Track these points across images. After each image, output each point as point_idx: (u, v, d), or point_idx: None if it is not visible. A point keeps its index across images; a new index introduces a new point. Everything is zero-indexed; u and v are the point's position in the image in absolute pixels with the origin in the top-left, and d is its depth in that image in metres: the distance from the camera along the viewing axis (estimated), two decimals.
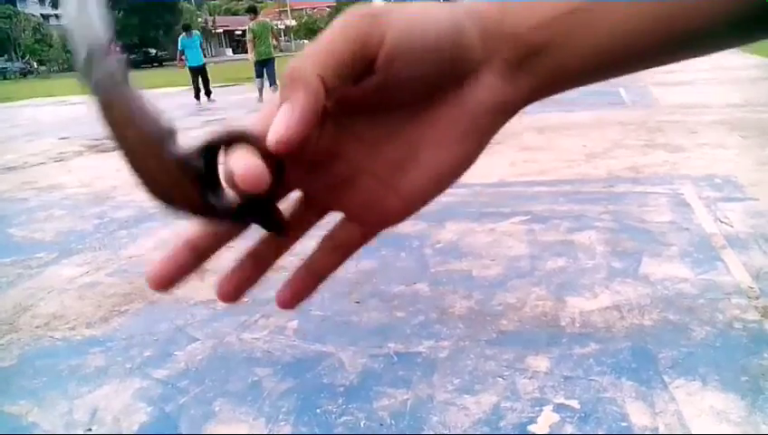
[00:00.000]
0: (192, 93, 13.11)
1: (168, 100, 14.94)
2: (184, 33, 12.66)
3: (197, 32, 13.08)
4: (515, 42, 0.29)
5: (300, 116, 0.25)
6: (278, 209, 0.31)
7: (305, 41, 56.08)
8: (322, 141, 0.29)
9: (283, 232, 0.32)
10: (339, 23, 0.27)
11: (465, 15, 0.29)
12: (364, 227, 0.33)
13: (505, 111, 0.31)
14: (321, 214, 0.34)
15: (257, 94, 11.68)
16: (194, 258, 0.31)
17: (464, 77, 0.29)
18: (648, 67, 0.32)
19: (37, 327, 2.75)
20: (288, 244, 0.34)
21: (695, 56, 0.32)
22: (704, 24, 0.29)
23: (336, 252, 0.34)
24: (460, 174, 0.32)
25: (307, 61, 0.26)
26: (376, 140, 0.30)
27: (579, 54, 0.30)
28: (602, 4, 0.29)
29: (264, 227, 0.31)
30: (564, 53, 0.30)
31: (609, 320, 2.36)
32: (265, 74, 11.62)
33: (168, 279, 0.31)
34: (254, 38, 11.44)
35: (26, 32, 53.09)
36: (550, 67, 0.30)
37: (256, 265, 0.34)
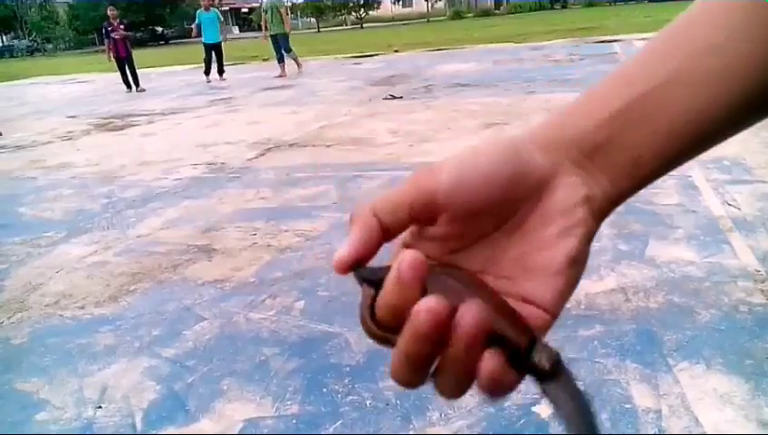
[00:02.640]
0: (203, 69, 13.00)
1: (175, 78, 14.91)
2: (202, 7, 12.64)
3: (216, 9, 13.03)
4: (579, 143, 0.33)
5: (350, 246, 0.32)
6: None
7: (312, 19, 55.66)
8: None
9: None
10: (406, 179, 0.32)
11: (524, 135, 0.33)
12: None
13: (592, 205, 0.33)
14: None
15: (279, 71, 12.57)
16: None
17: (537, 189, 0.32)
18: (717, 143, 0.35)
19: (47, 306, 2.79)
20: None
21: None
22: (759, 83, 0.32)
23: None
24: (579, 270, 0.34)
25: (369, 204, 0.32)
26: (483, 267, 0.33)
27: (642, 144, 0.32)
28: (656, 93, 0.32)
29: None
30: (627, 145, 0.32)
31: (615, 302, 2.37)
32: (282, 49, 12.46)
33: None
34: (269, 16, 12.36)
35: (32, 9, 52.90)
36: (620, 161, 0.33)
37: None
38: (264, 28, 12.87)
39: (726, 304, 2.28)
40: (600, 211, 0.34)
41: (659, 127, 0.32)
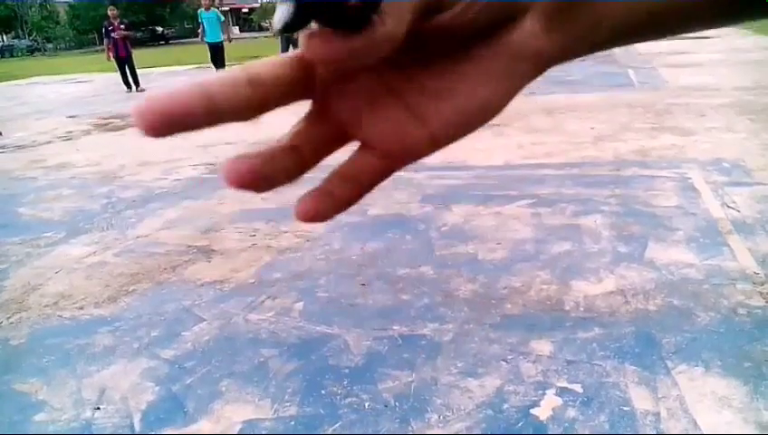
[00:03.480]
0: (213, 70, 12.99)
1: (176, 78, 14.90)
2: (202, 7, 12.63)
3: (215, 9, 13.01)
4: None
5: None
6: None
7: None
8: None
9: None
10: None
11: None
12: (385, 157, 0.31)
13: (538, 63, 0.31)
14: (341, 139, 0.31)
15: None
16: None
17: (509, 21, 0.29)
18: (679, 32, 0.33)
19: (46, 306, 2.78)
20: (303, 169, 0.31)
21: (740, 21, 0.34)
22: None
23: (352, 182, 0.32)
24: (488, 117, 0.31)
25: None
26: (413, 67, 0.30)
27: (618, 6, 0.31)
28: None
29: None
30: (596, 7, 0.30)
31: (614, 305, 2.37)
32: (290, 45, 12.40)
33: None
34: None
35: (33, 9, 52.87)
36: (586, 24, 0.31)
37: (272, 169, 0.29)
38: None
39: (725, 307, 2.29)
40: (539, 67, 0.31)
41: None
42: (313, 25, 0.24)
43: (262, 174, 0.27)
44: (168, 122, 0.23)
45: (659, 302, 2.37)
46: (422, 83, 0.30)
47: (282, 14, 0.23)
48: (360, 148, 0.31)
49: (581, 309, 2.36)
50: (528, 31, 0.30)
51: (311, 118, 0.30)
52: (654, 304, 2.36)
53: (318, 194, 0.31)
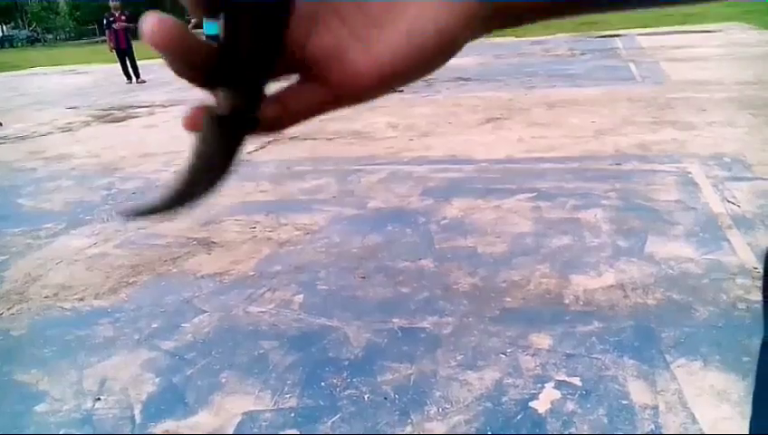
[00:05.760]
0: None
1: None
2: None
3: None
4: None
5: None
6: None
7: None
8: None
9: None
10: None
11: None
12: (325, 85, 0.29)
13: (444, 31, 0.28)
14: (284, 66, 0.29)
15: None
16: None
17: None
18: (606, 10, 0.32)
19: (46, 297, 2.79)
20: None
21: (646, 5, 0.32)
22: None
23: (289, 108, 0.30)
24: (437, 48, 0.29)
25: None
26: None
27: None
28: None
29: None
30: None
31: (613, 299, 2.37)
32: None
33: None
34: None
35: None
36: None
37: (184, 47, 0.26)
38: None
39: (725, 302, 2.29)
40: (483, 12, 0.29)
41: None
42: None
43: (179, 36, 0.25)
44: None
45: (659, 296, 2.37)
46: (368, 8, 0.28)
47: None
48: (302, 76, 0.30)
49: (581, 303, 2.36)
50: None
51: None
52: (653, 298, 2.36)
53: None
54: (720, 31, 12.38)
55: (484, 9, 0.29)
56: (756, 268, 2.52)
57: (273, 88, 0.29)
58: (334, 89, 0.29)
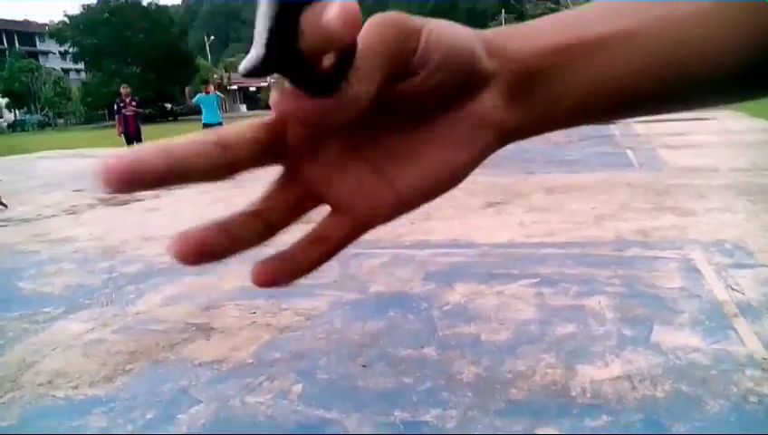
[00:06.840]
0: None
1: None
2: (203, 91, 12.81)
3: (214, 89, 13.16)
4: (517, 64, 0.30)
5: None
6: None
7: None
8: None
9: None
10: (372, 25, 0.26)
11: (474, 35, 0.30)
12: (353, 219, 0.31)
13: (499, 134, 0.31)
14: (311, 201, 0.31)
15: None
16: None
17: (474, 89, 0.30)
18: (646, 113, 0.34)
19: (40, 385, 2.72)
20: (273, 232, 0.31)
21: (694, 106, 0.34)
22: (713, 69, 0.31)
23: (320, 244, 0.31)
24: (452, 182, 0.31)
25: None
26: (380, 130, 0.30)
27: (576, 87, 0.31)
28: (606, 39, 0.31)
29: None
30: (562, 82, 0.31)
31: (621, 391, 2.31)
32: None
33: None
34: None
35: (47, 85, 54.54)
36: (544, 100, 0.31)
37: (229, 238, 0.28)
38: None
39: (735, 395, 2.23)
40: (500, 138, 0.31)
41: (601, 72, 0.31)
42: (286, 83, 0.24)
43: (210, 245, 0.27)
44: (128, 179, 0.23)
45: (667, 388, 2.31)
46: (388, 146, 0.30)
47: (251, 59, 0.23)
48: (330, 211, 0.31)
49: (588, 395, 2.30)
50: (489, 102, 0.30)
51: (280, 181, 0.30)
52: (662, 390, 2.30)
53: (279, 257, 0.31)
54: (714, 119, 12.71)
55: (498, 143, 0.31)
56: (765, 359, 2.47)
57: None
58: (358, 220, 0.31)
